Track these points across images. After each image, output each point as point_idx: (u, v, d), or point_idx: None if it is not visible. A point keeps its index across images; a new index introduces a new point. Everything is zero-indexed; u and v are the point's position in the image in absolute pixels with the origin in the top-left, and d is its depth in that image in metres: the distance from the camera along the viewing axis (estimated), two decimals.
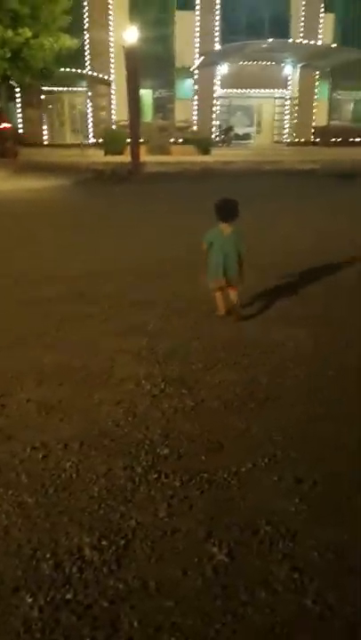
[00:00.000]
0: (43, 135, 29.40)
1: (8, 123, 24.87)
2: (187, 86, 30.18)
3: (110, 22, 28.50)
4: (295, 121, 30.96)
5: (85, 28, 28.14)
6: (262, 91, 30.75)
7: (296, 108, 30.77)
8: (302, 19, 29.78)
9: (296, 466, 2.50)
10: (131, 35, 17.22)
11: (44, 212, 10.25)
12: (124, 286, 5.33)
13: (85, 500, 2.27)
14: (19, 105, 28.77)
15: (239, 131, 31.73)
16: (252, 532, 2.09)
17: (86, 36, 28.14)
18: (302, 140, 30.61)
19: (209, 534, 2.07)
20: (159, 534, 2.08)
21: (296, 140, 30.64)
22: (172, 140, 26.54)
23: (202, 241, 4.36)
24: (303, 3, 29.53)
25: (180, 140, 26.65)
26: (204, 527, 2.11)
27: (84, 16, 28.07)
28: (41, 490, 2.34)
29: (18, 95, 28.30)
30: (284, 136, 31.37)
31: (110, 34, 28.57)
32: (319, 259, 6.26)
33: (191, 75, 29.38)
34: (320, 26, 29.88)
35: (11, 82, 24.05)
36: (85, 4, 27.87)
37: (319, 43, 28.05)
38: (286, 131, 31.44)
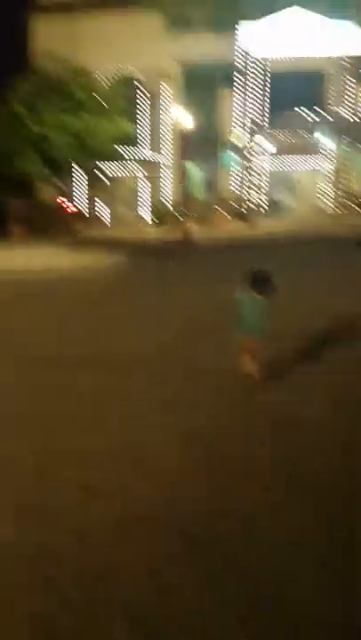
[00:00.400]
0: (103, 213, 31.16)
1: (70, 202, 26.87)
2: (233, 160, 31.52)
3: (163, 105, 30.58)
4: (336, 191, 31.54)
5: (141, 112, 30.31)
6: (303, 161, 31.77)
7: (336, 179, 31.43)
8: (339, 94, 31.02)
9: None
10: (184, 119, 18.60)
11: (104, 289, 10.71)
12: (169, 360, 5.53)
13: (123, 590, 2.32)
14: (79, 184, 30.79)
15: (283, 201, 32.51)
16: None
17: (141, 119, 30.26)
18: (343, 209, 31.03)
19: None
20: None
21: (337, 209, 31.06)
22: (219, 212, 27.58)
23: (235, 297, 4.65)
24: (340, 79, 30.80)
25: (228, 213, 27.68)
26: (234, 611, 2.17)
27: (140, 101, 30.28)
28: (80, 579, 2.40)
29: (79, 176, 30.38)
30: (326, 206, 31.87)
31: (163, 116, 30.60)
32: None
33: (237, 149, 30.72)
34: (356, 101, 30.98)
35: (73, 164, 26.14)
36: (140, 89, 30.13)
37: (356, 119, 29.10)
38: (328, 201, 31.96)
